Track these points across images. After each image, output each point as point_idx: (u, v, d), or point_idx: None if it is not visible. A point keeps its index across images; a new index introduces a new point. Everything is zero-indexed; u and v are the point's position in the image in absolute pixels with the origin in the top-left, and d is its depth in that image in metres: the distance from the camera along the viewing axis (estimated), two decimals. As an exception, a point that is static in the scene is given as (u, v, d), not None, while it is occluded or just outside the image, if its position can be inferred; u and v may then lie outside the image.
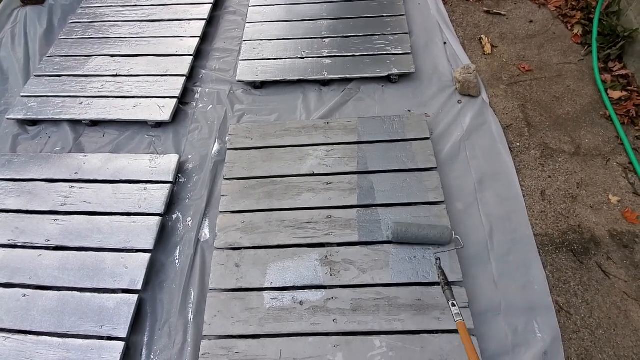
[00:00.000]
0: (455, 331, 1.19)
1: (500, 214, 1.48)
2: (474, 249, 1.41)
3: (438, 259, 1.21)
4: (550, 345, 1.22)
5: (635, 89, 1.73)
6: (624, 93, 1.72)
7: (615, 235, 1.42)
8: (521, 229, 1.45)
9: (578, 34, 1.98)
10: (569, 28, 2.03)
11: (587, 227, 1.45)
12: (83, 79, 1.98)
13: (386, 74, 1.84)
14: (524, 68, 1.89)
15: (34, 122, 1.90)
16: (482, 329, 1.25)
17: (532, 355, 1.21)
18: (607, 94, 1.74)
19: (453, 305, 0.98)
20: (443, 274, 1.11)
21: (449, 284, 1.07)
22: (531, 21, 2.09)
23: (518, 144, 1.66)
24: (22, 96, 1.94)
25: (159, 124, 1.83)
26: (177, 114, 1.86)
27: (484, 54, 1.96)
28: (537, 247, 1.40)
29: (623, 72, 1.78)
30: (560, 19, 2.07)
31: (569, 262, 1.38)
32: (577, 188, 1.53)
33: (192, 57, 2.01)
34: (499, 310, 1.29)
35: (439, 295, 1.26)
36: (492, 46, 1.99)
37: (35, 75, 2.02)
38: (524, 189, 1.54)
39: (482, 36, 2.03)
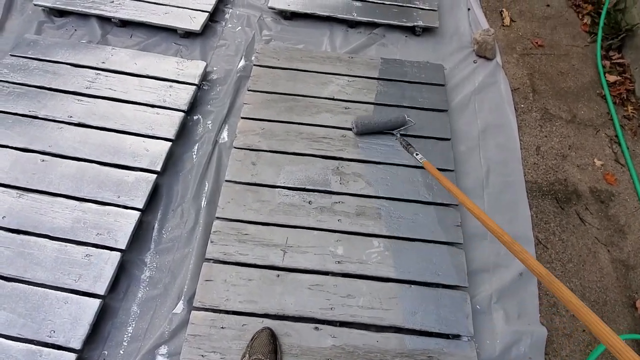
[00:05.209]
0: (444, 243, 1.32)
1: (498, 160, 1.61)
2: (471, 184, 1.54)
3: (401, 134, 1.54)
4: (526, 268, 1.37)
5: (629, 76, 1.90)
6: (619, 78, 1.90)
7: (595, 192, 1.59)
8: (514, 174, 1.59)
9: (587, 23, 2.14)
10: (580, 17, 2.18)
11: (572, 181, 1.60)
12: (115, -20, 1.99)
13: (411, 25, 1.94)
14: (536, 43, 2.03)
15: (61, 13, 1.90)
16: (469, 248, 1.38)
17: (510, 274, 1.36)
18: (605, 77, 1.90)
19: (417, 154, 1.29)
20: (405, 141, 1.49)
21: (410, 145, 1.42)
22: (548, 5, 2.23)
23: (522, 105, 1.80)
24: (50, -13, 1.93)
25: (187, 34, 1.87)
26: (206, 29, 1.90)
27: (503, 25, 2.09)
28: (526, 191, 1.55)
29: (620, 60, 1.96)
30: (573, 8, 2.23)
31: (552, 207, 1.53)
32: (568, 149, 1.69)
33: (226, -20, 2.05)
34: (485, 236, 1.43)
35: (435, 215, 1.38)
36: (511, 20, 2.12)
37: (65, -30, 2.01)
38: (522, 142, 1.68)
39: (504, 9, 2.15)
